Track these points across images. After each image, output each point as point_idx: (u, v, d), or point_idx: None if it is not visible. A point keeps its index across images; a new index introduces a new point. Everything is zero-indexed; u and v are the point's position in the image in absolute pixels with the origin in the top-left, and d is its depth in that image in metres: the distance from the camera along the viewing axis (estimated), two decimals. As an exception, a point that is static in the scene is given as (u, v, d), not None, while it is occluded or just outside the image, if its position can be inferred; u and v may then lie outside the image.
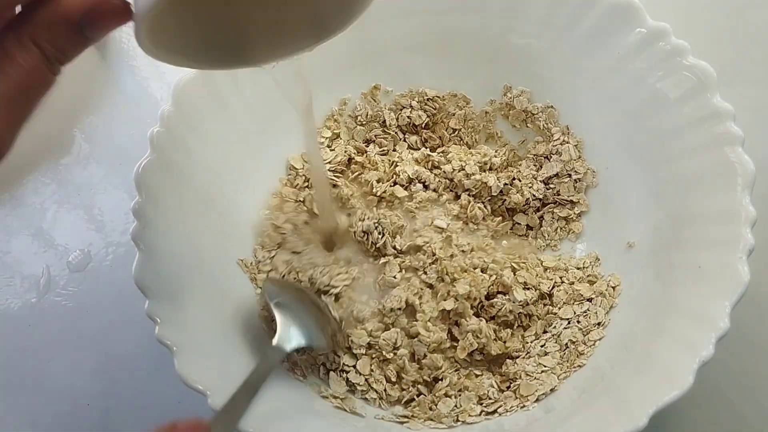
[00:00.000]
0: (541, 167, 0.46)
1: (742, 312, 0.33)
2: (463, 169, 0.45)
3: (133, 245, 0.36)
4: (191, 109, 0.40)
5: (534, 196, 0.45)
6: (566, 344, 0.40)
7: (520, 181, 0.45)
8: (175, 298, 0.36)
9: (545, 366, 0.39)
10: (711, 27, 0.53)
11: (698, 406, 0.39)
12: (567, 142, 0.45)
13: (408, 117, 0.47)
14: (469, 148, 0.47)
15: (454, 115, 0.48)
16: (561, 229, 0.45)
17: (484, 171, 0.45)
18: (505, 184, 0.45)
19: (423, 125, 0.48)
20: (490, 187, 0.44)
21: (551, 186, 0.45)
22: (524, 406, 0.37)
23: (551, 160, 0.45)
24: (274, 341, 0.36)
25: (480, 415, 0.38)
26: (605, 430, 0.31)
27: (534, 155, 0.46)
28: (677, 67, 0.39)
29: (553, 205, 0.45)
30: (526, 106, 0.46)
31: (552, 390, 0.38)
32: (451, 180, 0.45)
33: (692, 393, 0.31)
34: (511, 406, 0.38)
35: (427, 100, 0.48)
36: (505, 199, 0.45)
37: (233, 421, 0.31)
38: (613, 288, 0.41)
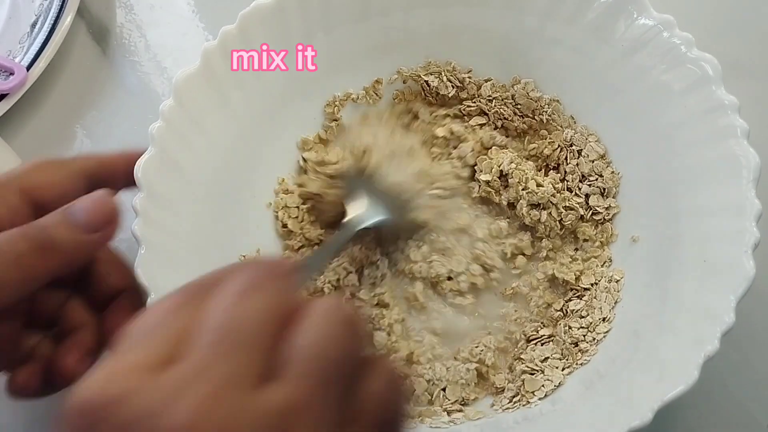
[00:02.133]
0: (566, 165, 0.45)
1: (747, 306, 0.32)
2: (527, 188, 0.43)
3: (134, 241, 0.36)
4: (192, 104, 0.40)
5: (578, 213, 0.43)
6: (571, 342, 0.39)
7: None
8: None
9: (549, 362, 0.39)
10: (717, 19, 0.52)
11: (703, 402, 0.39)
12: (588, 141, 0.44)
13: (435, 87, 0.46)
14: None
15: (480, 89, 0.47)
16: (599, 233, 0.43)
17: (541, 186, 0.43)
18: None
19: (450, 97, 0.47)
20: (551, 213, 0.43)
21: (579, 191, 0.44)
22: (528, 402, 0.37)
23: (572, 157, 0.45)
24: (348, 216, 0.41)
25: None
26: (611, 426, 0.31)
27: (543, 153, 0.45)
28: (681, 59, 0.39)
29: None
30: (531, 96, 0.46)
31: (558, 385, 0.37)
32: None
33: (697, 388, 0.30)
34: (515, 402, 0.38)
35: (452, 69, 0.47)
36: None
37: (312, 271, 0.33)
38: (617, 282, 0.40)
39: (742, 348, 0.39)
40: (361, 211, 0.41)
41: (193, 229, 0.39)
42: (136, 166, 0.37)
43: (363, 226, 0.41)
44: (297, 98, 0.46)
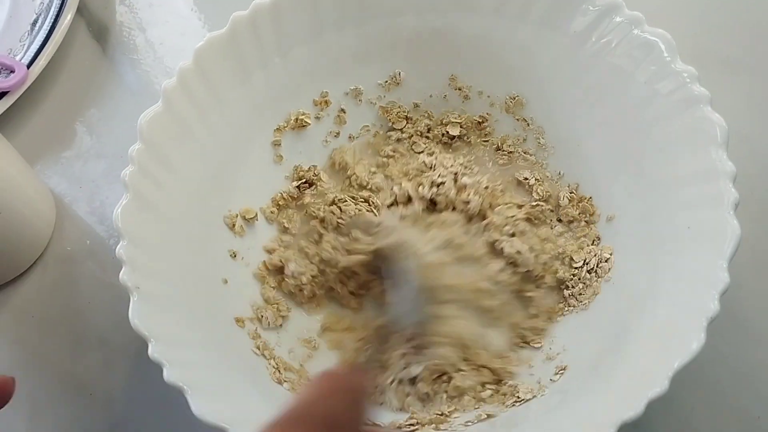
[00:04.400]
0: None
1: (736, 299, 0.33)
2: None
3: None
4: (159, 145, 0.40)
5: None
6: None
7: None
8: (176, 337, 0.35)
9: None
10: (710, 16, 0.53)
11: (695, 395, 0.39)
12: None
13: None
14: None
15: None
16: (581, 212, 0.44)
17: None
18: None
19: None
20: None
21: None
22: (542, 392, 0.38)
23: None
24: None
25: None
26: (630, 398, 0.31)
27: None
28: (632, 38, 0.40)
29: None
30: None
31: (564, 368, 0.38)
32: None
33: (689, 382, 0.31)
34: (526, 392, 0.38)
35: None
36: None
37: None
38: (606, 261, 0.41)
39: (731, 340, 0.40)
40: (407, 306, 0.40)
41: (179, 269, 0.39)
42: (114, 215, 0.36)
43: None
44: (260, 125, 0.45)
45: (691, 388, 0.37)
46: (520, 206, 0.45)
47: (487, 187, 0.45)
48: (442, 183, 0.45)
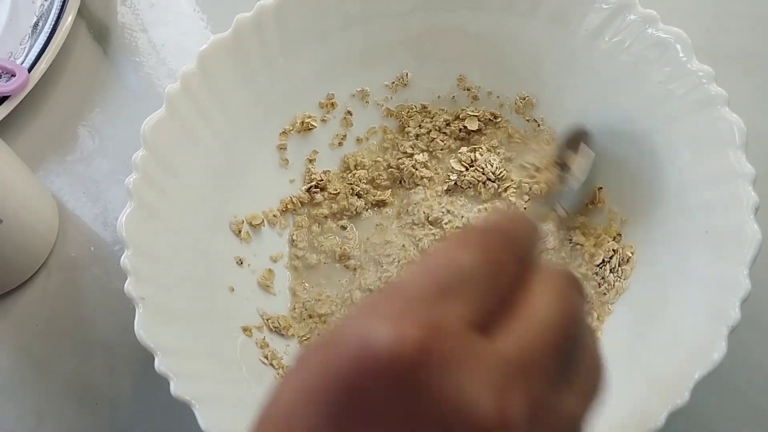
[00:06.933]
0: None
1: (753, 303, 0.32)
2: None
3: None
4: (163, 150, 0.39)
5: None
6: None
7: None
8: (183, 348, 0.34)
9: None
10: (726, 11, 0.52)
11: (713, 400, 0.39)
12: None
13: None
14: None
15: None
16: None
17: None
18: None
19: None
20: None
21: None
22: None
23: None
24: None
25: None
26: (647, 410, 0.30)
27: None
28: (646, 36, 0.39)
29: None
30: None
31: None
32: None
33: (706, 387, 0.30)
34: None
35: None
36: None
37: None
38: (627, 261, 0.40)
39: (749, 345, 0.39)
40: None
41: (185, 277, 0.38)
42: (118, 224, 0.36)
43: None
44: (265, 129, 0.45)
45: (710, 394, 0.36)
46: None
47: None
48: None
